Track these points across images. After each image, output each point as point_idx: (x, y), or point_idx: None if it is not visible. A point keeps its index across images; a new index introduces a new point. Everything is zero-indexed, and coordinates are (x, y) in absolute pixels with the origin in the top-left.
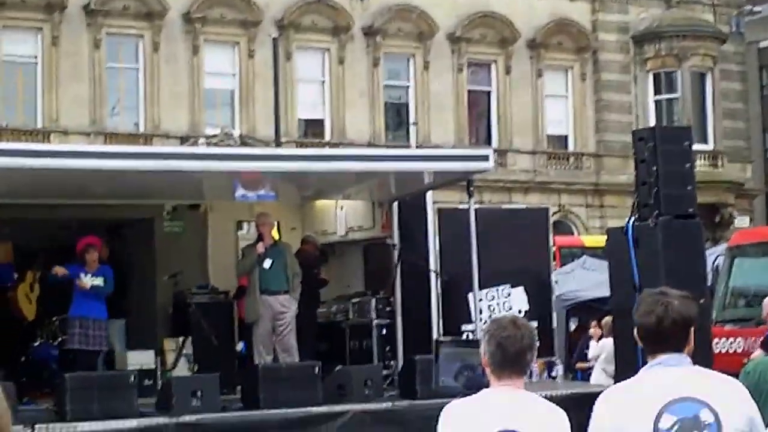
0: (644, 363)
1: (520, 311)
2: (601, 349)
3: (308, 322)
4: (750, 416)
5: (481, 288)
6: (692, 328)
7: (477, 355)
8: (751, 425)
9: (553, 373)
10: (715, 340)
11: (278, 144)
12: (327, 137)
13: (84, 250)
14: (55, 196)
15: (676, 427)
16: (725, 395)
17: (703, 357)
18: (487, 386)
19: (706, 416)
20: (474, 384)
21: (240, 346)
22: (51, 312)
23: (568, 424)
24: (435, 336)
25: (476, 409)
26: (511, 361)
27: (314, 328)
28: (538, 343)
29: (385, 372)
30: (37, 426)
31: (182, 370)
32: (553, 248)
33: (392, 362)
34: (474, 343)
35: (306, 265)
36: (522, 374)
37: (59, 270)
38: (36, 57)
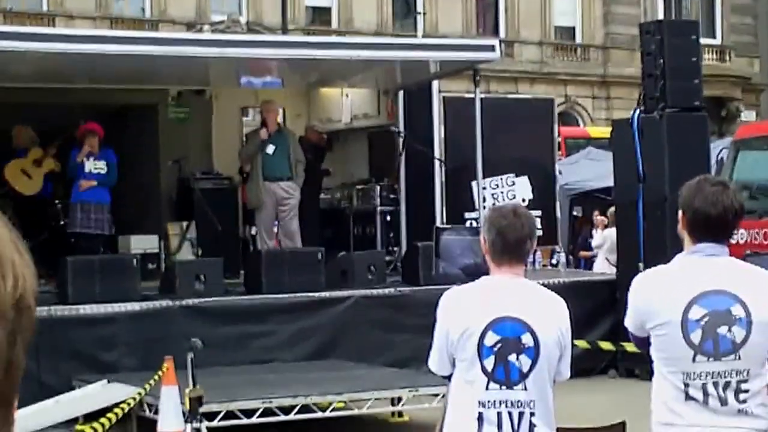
0: (649, 252)
1: (523, 200)
2: (604, 238)
3: (311, 209)
4: None
5: (485, 177)
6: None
7: (478, 243)
8: None
9: (555, 261)
10: None
11: (285, 31)
12: (334, 26)
13: (83, 136)
14: (60, 81)
15: (706, 320)
16: (759, 289)
17: None
18: (488, 273)
19: (737, 311)
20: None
21: (254, 231)
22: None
23: (567, 312)
24: (438, 223)
25: (476, 296)
26: (510, 249)
27: (317, 214)
28: (540, 232)
29: (388, 258)
30: (37, 309)
31: (186, 254)
32: (559, 139)
33: (395, 249)
34: (475, 231)
35: (309, 153)
36: (522, 262)
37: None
38: None
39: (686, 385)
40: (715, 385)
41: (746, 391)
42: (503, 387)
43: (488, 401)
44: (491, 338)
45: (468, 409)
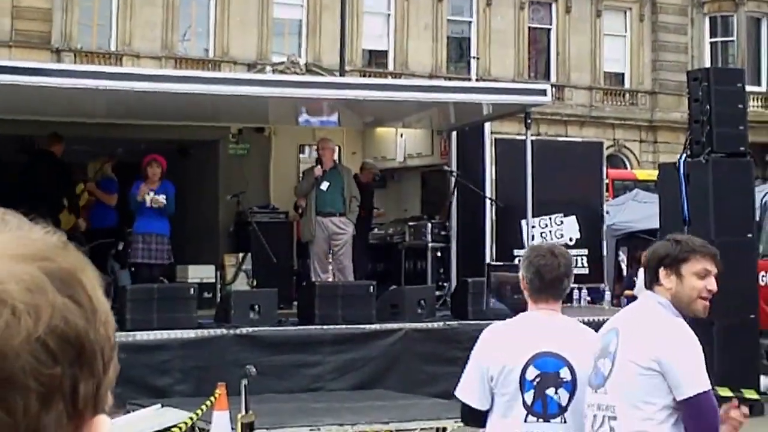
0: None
1: (571, 239)
2: None
3: (364, 243)
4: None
5: (534, 216)
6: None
7: None
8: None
9: (599, 298)
10: (762, 273)
11: (342, 73)
12: (390, 68)
13: (147, 164)
14: (127, 117)
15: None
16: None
17: (750, 290)
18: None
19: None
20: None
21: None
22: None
23: None
24: (488, 260)
25: (516, 332)
26: (547, 286)
27: (369, 249)
28: (586, 271)
29: (438, 293)
30: None
31: (241, 284)
32: (606, 181)
33: (445, 284)
34: None
35: (363, 190)
36: (558, 299)
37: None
38: None
39: None
40: None
41: None
42: (540, 420)
43: None
44: (531, 373)
45: None
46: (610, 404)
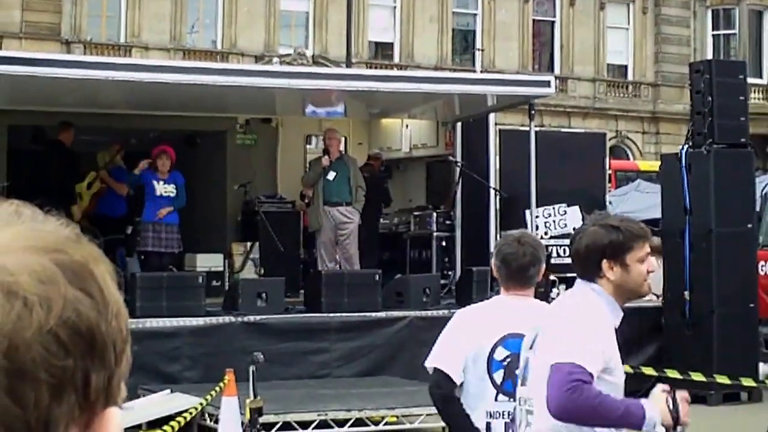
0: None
1: (574, 229)
2: None
3: (370, 232)
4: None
5: (538, 206)
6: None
7: None
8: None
9: None
10: (761, 263)
11: (349, 65)
12: (396, 60)
13: (157, 156)
14: (136, 108)
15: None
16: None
17: (749, 280)
18: None
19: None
20: None
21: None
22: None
23: None
24: (492, 249)
25: (487, 314)
26: (513, 275)
27: (375, 238)
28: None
29: (442, 281)
30: None
31: (249, 273)
32: (609, 171)
33: (450, 272)
34: None
35: (371, 179)
36: (527, 286)
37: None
38: None
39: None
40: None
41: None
42: (511, 399)
43: (496, 412)
44: (501, 353)
45: (478, 419)
46: (528, 398)
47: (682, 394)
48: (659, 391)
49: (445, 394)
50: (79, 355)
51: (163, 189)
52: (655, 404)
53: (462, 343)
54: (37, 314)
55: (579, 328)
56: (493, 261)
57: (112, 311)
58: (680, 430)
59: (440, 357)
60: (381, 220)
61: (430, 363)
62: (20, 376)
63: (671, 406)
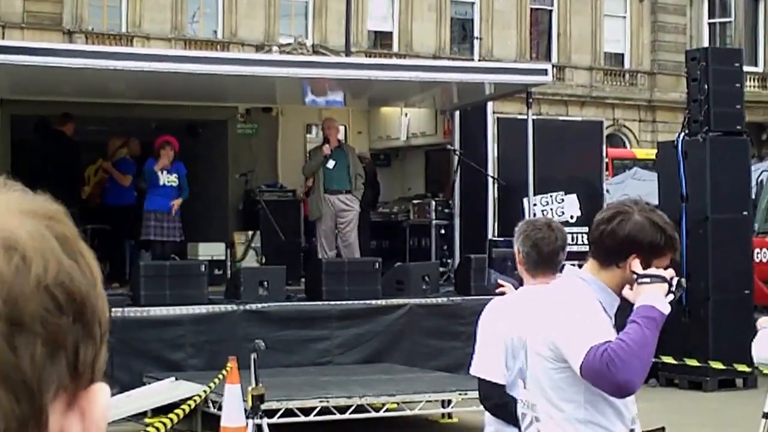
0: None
1: (572, 216)
2: None
3: (369, 221)
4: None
5: (535, 194)
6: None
7: None
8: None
9: None
10: (756, 250)
11: (348, 54)
12: (395, 49)
13: (161, 146)
14: (136, 97)
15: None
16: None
17: (745, 266)
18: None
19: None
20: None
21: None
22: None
23: None
24: (490, 237)
25: (520, 306)
26: (545, 260)
27: (368, 230)
28: (587, 248)
29: (441, 269)
30: (112, 310)
31: (250, 261)
32: (606, 159)
33: (449, 260)
34: None
35: (368, 170)
36: (555, 273)
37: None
38: None
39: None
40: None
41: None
42: None
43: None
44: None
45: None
46: (532, 402)
47: (647, 272)
48: (637, 286)
49: (494, 405)
50: (71, 318)
51: (166, 178)
52: (648, 294)
53: (497, 342)
54: (35, 269)
55: (578, 321)
56: (518, 247)
57: (98, 290)
58: (676, 282)
59: (481, 365)
60: (379, 209)
61: (473, 371)
62: (18, 326)
63: (650, 280)
